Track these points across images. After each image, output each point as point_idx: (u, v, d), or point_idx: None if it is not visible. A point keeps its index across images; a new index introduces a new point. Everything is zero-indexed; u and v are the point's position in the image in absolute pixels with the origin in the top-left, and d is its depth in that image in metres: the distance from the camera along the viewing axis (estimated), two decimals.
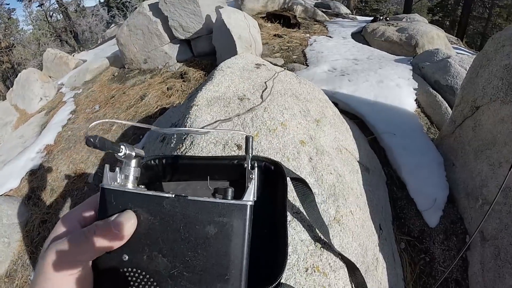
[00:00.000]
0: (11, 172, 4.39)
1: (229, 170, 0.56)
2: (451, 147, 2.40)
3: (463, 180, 2.17)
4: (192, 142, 1.10)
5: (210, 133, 1.11)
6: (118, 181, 0.41)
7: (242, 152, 1.04)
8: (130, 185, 0.41)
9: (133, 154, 0.41)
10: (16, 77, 7.47)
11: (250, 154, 0.46)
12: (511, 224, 1.69)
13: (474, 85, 2.17)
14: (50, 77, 7.57)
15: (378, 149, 2.59)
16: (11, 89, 7.67)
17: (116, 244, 0.37)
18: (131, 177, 0.41)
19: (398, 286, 1.62)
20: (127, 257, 0.37)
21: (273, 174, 0.59)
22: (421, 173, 2.34)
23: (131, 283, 0.36)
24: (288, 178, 0.71)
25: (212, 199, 0.39)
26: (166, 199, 0.38)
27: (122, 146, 0.39)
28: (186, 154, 0.89)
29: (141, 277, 0.36)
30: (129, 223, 0.37)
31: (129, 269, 0.37)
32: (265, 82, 1.48)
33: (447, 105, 3.08)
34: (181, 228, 0.38)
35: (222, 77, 1.48)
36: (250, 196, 0.40)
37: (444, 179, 2.30)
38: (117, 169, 0.41)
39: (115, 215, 0.37)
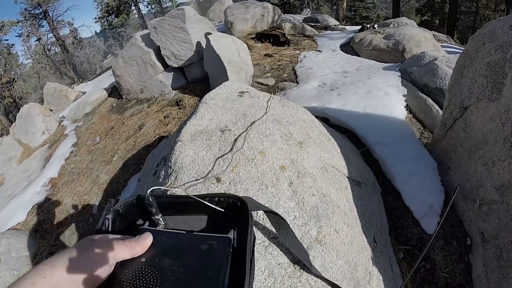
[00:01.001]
0: (18, 206, 4.48)
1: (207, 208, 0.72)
2: (444, 150, 2.41)
3: (459, 182, 2.17)
4: (176, 177, 1.15)
5: (191, 169, 1.16)
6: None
7: (220, 184, 1.09)
8: (161, 226, 0.67)
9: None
10: (18, 111, 7.64)
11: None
12: (511, 222, 1.69)
13: (460, 85, 2.19)
14: (51, 110, 7.74)
15: (371, 160, 2.61)
16: (13, 123, 7.84)
17: (140, 250, 0.56)
18: (161, 222, 0.68)
19: None
20: (144, 259, 0.56)
21: (240, 210, 0.66)
22: (415, 180, 2.36)
23: (143, 274, 0.53)
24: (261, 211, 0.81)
25: (208, 234, 0.62)
26: (180, 233, 0.62)
27: (160, 217, 0.67)
28: (168, 193, 0.95)
29: (150, 270, 0.54)
30: (148, 238, 0.58)
31: (144, 266, 0.55)
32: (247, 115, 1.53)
33: (438, 107, 3.11)
34: (185, 245, 0.59)
35: (205, 110, 1.54)
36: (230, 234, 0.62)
37: (439, 184, 2.32)
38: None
39: (139, 235, 0.58)
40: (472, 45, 2.10)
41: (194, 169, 1.16)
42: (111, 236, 0.58)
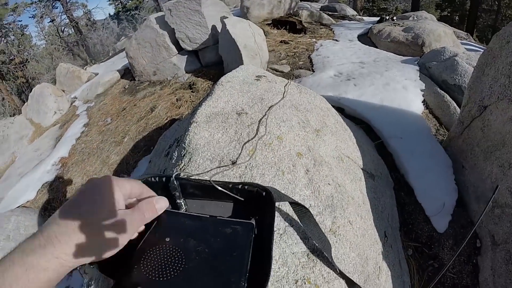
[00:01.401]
0: (28, 184, 4.55)
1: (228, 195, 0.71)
2: (460, 149, 2.36)
3: (473, 183, 2.13)
4: (190, 159, 1.13)
5: (206, 151, 1.14)
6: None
7: (236, 168, 1.06)
8: (183, 210, 0.68)
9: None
10: (30, 91, 7.71)
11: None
12: None
13: (481, 84, 2.13)
14: (63, 91, 7.78)
15: (385, 154, 2.57)
16: (26, 103, 7.93)
17: (152, 214, 0.55)
18: (183, 206, 0.68)
19: None
20: (168, 239, 0.55)
21: (264, 200, 0.65)
22: (429, 177, 2.31)
23: (168, 253, 0.53)
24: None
25: (231, 219, 0.62)
26: (204, 216, 0.61)
27: (182, 202, 0.68)
28: (188, 174, 0.93)
29: (174, 250, 0.53)
30: (163, 203, 0.57)
31: (169, 246, 0.54)
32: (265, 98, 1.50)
33: (455, 105, 3.04)
34: (209, 228, 0.59)
35: (221, 92, 1.51)
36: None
37: (453, 183, 2.27)
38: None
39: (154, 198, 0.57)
40: (496, 43, 2.03)
41: (209, 151, 1.13)
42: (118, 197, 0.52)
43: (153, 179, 0.69)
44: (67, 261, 0.45)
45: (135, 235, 0.56)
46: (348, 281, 0.94)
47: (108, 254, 0.49)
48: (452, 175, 2.33)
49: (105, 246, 0.48)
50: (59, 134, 5.85)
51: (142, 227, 0.57)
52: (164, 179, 0.69)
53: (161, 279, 0.49)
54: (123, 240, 0.50)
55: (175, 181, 0.67)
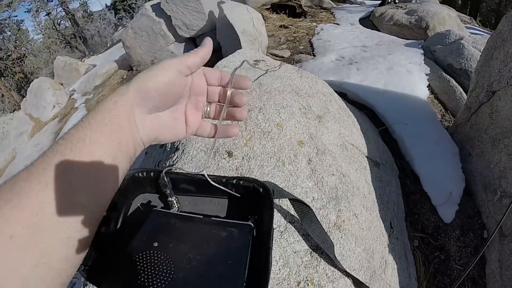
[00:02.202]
0: None
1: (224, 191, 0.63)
2: (467, 135, 2.28)
3: (480, 171, 2.05)
4: (183, 150, 1.05)
5: (200, 142, 1.06)
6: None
7: (232, 160, 0.98)
8: (174, 209, 0.58)
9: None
10: (29, 86, 7.66)
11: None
12: None
13: (489, 68, 2.04)
14: (62, 84, 7.71)
15: (390, 140, 2.48)
16: (24, 98, 7.87)
17: (207, 53, 0.49)
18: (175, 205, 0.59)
19: (411, 287, 1.54)
20: (156, 244, 0.48)
21: (261, 198, 0.58)
22: (435, 164, 2.23)
23: (155, 260, 0.46)
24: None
25: (226, 220, 0.54)
26: (196, 217, 0.54)
27: (174, 200, 0.59)
28: (179, 168, 0.86)
29: (162, 256, 0.46)
30: (209, 43, 0.49)
31: (156, 252, 0.47)
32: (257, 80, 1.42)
33: (461, 90, 2.94)
34: (203, 231, 0.51)
35: None
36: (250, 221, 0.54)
37: (459, 171, 2.19)
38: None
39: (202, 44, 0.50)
40: (505, 25, 1.93)
41: (203, 141, 1.05)
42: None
43: (141, 174, 0.62)
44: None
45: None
46: (355, 280, 0.87)
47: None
48: (459, 162, 2.25)
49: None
50: (59, 128, 5.80)
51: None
52: (152, 174, 0.62)
53: None
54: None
55: (165, 177, 0.60)
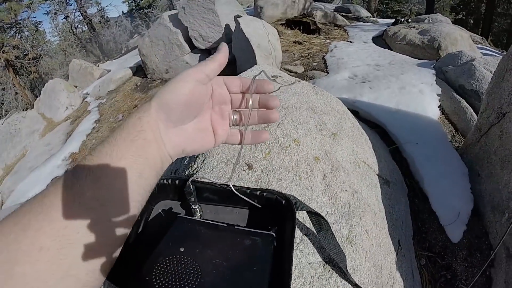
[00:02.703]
0: (38, 178, 4.60)
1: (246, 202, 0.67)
2: (477, 156, 2.30)
3: (489, 192, 2.06)
4: (203, 160, 1.10)
5: (221, 153, 1.11)
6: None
7: (252, 171, 1.03)
8: (197, 217, 0.63)
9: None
10: (43, 86, 7.83)
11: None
12: None
13: (500, 90, 2.06)
14: (75, 86, 7.88)
15: (400, 159, 2.51)
16: (38, 98, 8.05)
17: (224, 58, 0.50)
18: (198, 213, 0.64)
19: None
20: (183, 249, 0.51)
21: (283, 209, 0.61)
22: (444, 184, 2.25)
23: (182, 264, 0.49)
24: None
25: (250, 229, 0.57)
26: (221, 225, 0.57)
27: (197, 208, 0.64)
28: (204, 177, 0.90)
29: (189, 261, 0.49)
30: (225, 48, 0.51)
31: (183, 256, 0.50)
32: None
33: (472, 111, 2.96)
34: (227, 238, 0.54)
35: None
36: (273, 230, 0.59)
37: (468, 191, 2.20)
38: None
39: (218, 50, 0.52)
40: None
41: (223, 152, 1.11)
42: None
43: (166, 181, 0.65)
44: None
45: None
46: None
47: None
48: (468, 183, 2.26)
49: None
50: (70, 130, 5.90)
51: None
52: (177, 181, 0.65)
53: None
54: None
55: (191, 185, 0.64)
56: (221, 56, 0.50)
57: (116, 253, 0.45)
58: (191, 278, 0.47)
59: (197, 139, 0.51)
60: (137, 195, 0.44)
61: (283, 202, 0.63)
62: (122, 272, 0.51)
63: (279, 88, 1.55)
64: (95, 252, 0.39)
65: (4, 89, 15.29)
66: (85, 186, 0.39)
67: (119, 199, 0.41)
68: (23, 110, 10.71)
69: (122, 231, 0.43)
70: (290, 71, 4.42)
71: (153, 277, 0.47)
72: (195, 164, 1.14)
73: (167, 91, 0.45)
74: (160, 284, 0.46)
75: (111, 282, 0.52)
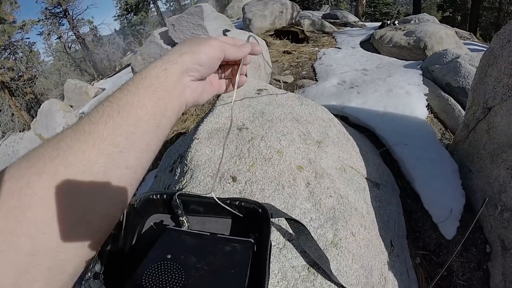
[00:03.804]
0: None
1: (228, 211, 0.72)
2: (466, 152, 2.34)
3: (481, 187, 2.10)
4: (191, 176, 1.15)
5: (207, 168, 1.16)
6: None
7: (236, 184, 1.08)
8: (185, 228, 0.67)
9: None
10: (39, 107, 7.89)
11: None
12: None
13: (484, 85, 2.10)
14: (71, 106, 7.94)
15: (391, 161, 2.55)
16: (35, 119, 8.10)
17: (243, 53, 0.57)
18: (185, 224, 0.68)
19: None
20: (170, 256, 0.55)
21: (260, 217, 0.66)
22: (436, 183, 2.29)
23: (169, 269, 0.53)
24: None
25: (230, 237, 0.64)
26: (204, 234, 0.63)
27: (184, 219, 0.68)
28: (190, 192, 0.95)
29: (175, 266, 0.54)
30: (248, 50, 0.58)
31: (170, 262, 0.54)
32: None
33: (460, 108, 3.01)
34: (210, 245, 0.59)
35: (222, 107, 1.53)
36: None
37: (460, 188, 2.24)
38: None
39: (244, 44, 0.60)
40: (496, 42, 2.01)
41: (210, 167, 1.15)
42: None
43: (155, 196, 0.71)
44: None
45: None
46: None
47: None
48: (459, 180, 2.30)
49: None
50: None
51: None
52: (165, 196, 0.71)
53: None
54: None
55: (177, 199, 0.69)
56: (244, 54, 0.58)
57: (128, 198, 0.45)
58: (176, 281, 0.52)
59: (207, 91, 0.58)
60: (153, 144, 0.45)
61: (260, 210, 0.68)
62: (118, 280, 0.57)
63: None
64: (109, 199, 0.40)
65: (0, 110, 15.36)
66: (105, 132, 0.39)
67: (137, 148, 0.42)
68: (20, 131, 10.76)
69: (137, 178, 0.44)
70: (280, 81, 4.48)
71: (143, 280, 0.52)
72: (184, 179, 1.19)
73: (200, 51, 0.50)
74: (150, 286, 0.51)
75: None
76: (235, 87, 0.62)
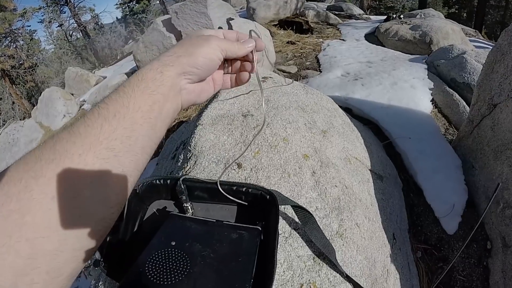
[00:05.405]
0: None
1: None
2: (470, 148, 2.32)
3: (483, 183, 2.09)
4: (195, 162, 1.13)
5: (212, 154, 1.14)
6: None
7: (241, 171, 1.06)
8: (189, 214, 0.67)
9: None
10: (40, 95, 7.85)
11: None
12: None
13: (490, 81, 2.08)
14: (72, 94, 7.90)
15: (394, 154, 2.53)
16: (35, 107, 8.07)
17: (243, 52, 0.56)
18: (189, 210, 0.68)
19: None
20: (174, 243, 0.55)
21: (268, 204, 0.64)
22: (438, 177, 2.28)
23: (173, 257, 0.53)
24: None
25: (237, 224, 0.62)
26: (210, 221, 0.61)
27: (189, 206, 0.68)
28: (195, 177, 0.94)
29: (180, 254, 0.53)
30: (252, 43, 0.57)
31: (174, 250, 0.54)
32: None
33: (464, 103, 2.99)
34: (216, 232, 0.58)
35: (227, 94, 1.51)
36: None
37: (462, 183, 2.23)
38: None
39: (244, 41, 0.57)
40: (504, 39, 1.98)
41: (214, 153, 1.13)
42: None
43: (158, 181, 0.69)
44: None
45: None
46: (355, 285, 0.93)
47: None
48: (462, 175, 2.29)
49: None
50: None
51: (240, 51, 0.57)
52: (169, 181, 0.69)
53: (165, 283, 0.49)
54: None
55: (182, 184, 0.67)
56: (247, 51, 0.57)
57: (125, 201, 0.45)
58: (181, 268, 0.51)
59: (205, 91, 0.57)
60: (148, 147, 0.45)
61: (268, 197, 0.66)
62: (119, 268, 0.56)
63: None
64: (105, 201, 0.40)
65: (1, 99, 15.31)
66: (100, 136, 0.39)
67: (132, 151, 0.42)
68: (20, 119, 10.73)
69: (132, 181, 0.44)
70: (283, 71, 4.45)
71: (146, 268, 0.51)
72: (187, 165, 1.17)
73: (197, 53, 0.49)
74: (153, 274, 0.50)
75: (108, 276, 0.56)
76: (260, 88, 0.61)
